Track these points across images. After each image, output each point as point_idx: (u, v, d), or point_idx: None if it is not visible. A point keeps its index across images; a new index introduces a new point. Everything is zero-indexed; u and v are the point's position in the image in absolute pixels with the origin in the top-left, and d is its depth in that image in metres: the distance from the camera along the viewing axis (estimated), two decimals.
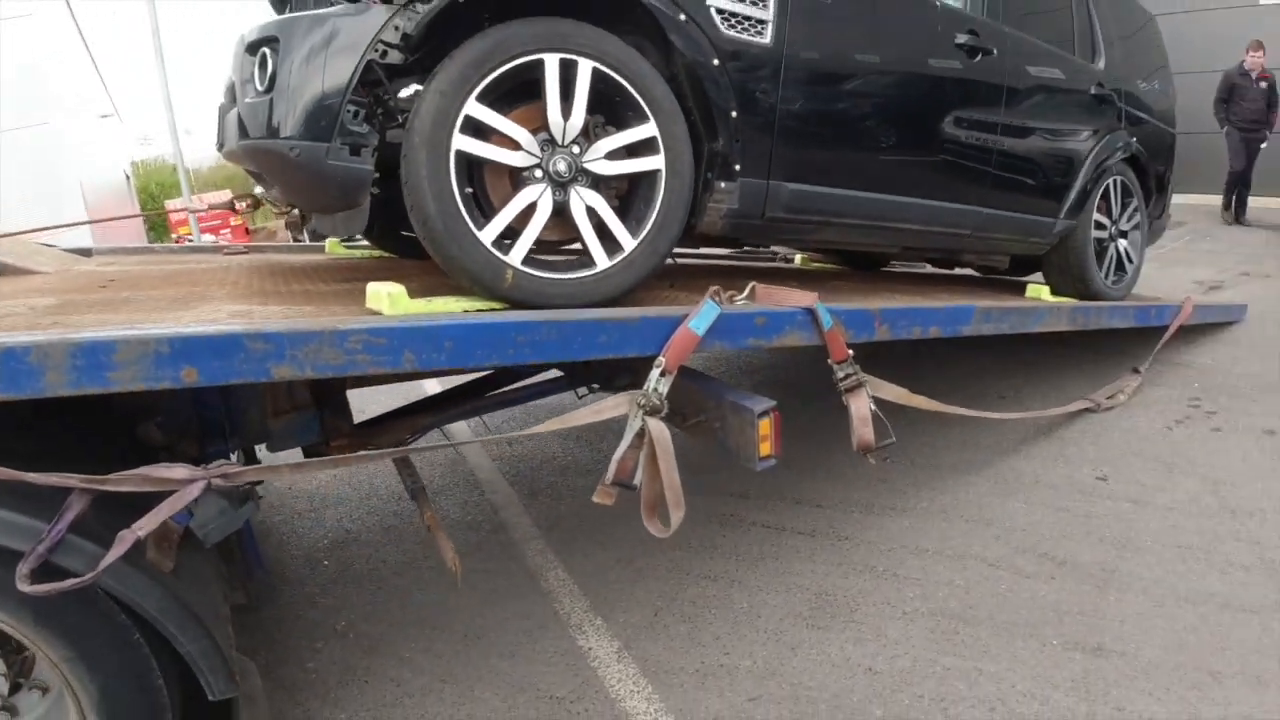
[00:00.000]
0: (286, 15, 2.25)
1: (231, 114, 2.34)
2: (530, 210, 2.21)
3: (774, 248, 5.57)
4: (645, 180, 2.40)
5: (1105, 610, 2.55)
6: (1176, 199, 11.23)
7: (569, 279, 2.28)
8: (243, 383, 1.61)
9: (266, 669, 2.39)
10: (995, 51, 3.45)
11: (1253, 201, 10.21)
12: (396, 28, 2.10)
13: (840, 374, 2.55)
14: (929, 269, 5.63)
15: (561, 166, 2.24)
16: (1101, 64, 4.26)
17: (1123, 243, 4.43)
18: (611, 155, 2.33)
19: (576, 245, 2.38)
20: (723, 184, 2.63)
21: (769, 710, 2.19)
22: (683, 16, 2.42)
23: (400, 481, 2.72)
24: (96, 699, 1.69)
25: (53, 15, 12.17)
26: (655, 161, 2.37)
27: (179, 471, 1.52)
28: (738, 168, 2.64)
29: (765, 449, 2.35)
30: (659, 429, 2.14)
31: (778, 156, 2.74)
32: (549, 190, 2.23)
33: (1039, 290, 4.13)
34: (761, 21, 2.61)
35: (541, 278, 2.23)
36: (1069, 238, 4.09)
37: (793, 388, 3.45)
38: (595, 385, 3.02)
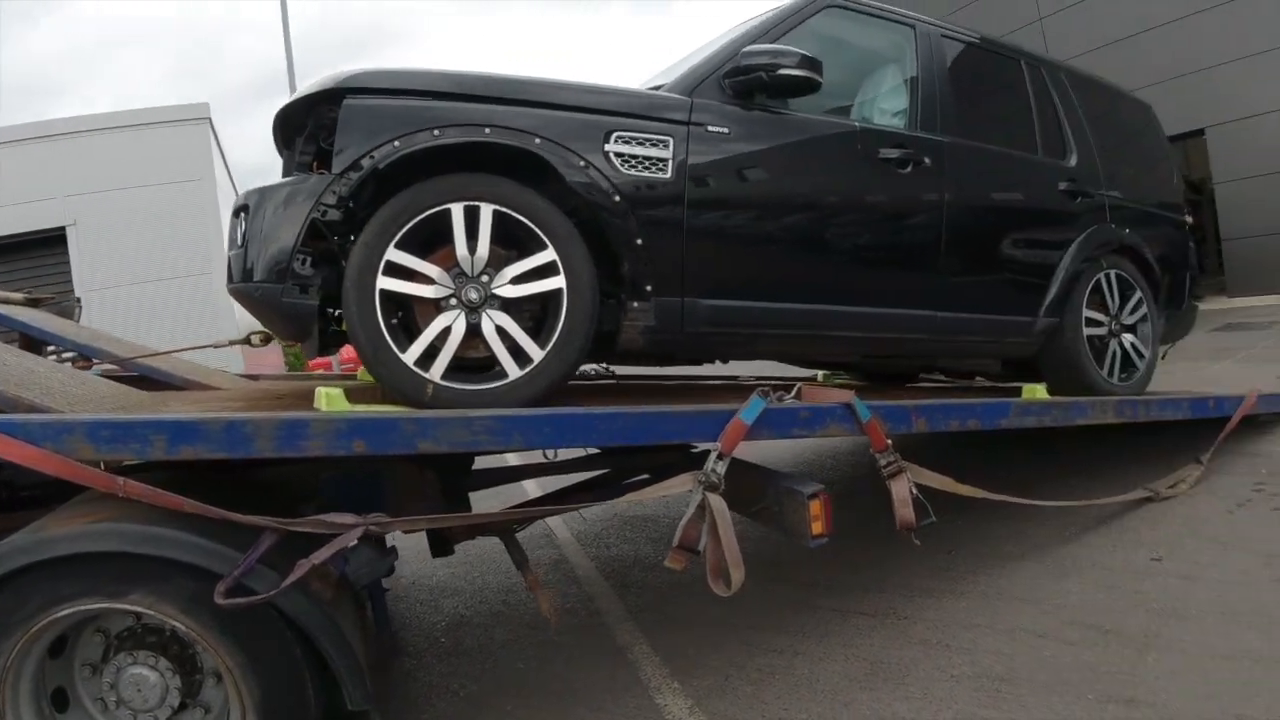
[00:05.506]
0: (257, 185, 2.76)
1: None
2: (446, 333, 2.58)
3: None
4: (552, 298, 2.69)
5: (1143, 669, 2.72)
6: (1269, 299, 11.04)
7: (485, 388, 2.60)
8: (396, 454, 2.14)
9: (387, 716, 2.83)
10: (928, 160, 3.55)
11: None
12: (334, 192, 2.55)
13: (882, 462, 2.91)
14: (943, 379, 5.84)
15: (473, 295, 2.59)
16: (1073, 160, 4.26)
17: (1128, 338, 4.33)
18: (519, 279, 2.65)
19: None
20: (635, 303, 2.89)
21: None
22: (581, 163, 2.74)
23: (505, 576, 3.29)
24: (259, 701, 2.06)
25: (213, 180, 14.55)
26: (557, 281, 2.66)
27: (346, 518, 2.05)
28: (649, 288, 2.89)
29: (817, 528, 2.70)
30: (718, 502, 2.53)
31: (690, 276, 2.96)
32: (462, 315, 2.59)
33: (1034, 390, 3.96)
34: (661, 160, 2.89)
35: (459, 389, 2.57)
36: (1056, 336, 4.01)
37: (868, 494, 3.79)
38: (648, 475, 3.28)
